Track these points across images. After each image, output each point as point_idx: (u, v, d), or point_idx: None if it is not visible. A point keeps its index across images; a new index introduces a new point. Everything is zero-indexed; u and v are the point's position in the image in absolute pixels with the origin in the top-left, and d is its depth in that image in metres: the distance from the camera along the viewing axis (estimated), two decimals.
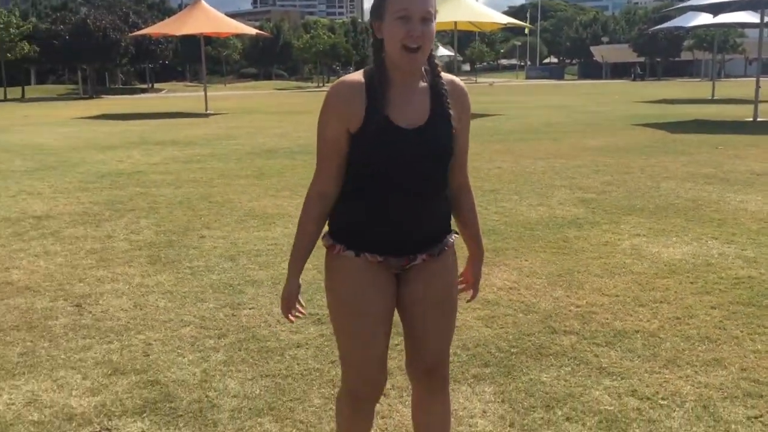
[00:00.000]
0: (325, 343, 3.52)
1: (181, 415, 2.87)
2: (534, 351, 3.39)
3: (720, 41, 53.71)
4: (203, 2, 23.76)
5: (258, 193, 7.77)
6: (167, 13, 63.14)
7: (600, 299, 4.10)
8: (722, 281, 4.38)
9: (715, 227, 5.82)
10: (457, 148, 1.95)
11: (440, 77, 1.92)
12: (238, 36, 50.80)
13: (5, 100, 36.78)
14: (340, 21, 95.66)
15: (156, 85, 55.22)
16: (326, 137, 1.87)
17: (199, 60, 45.24)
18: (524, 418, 2.77)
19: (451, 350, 3.37)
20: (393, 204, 1.88)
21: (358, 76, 1.87)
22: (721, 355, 3.29)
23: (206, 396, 3.03)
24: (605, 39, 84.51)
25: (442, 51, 66.79)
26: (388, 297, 1.98)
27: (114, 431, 2.77)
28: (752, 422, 2.69)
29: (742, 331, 3.56)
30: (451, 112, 1.91)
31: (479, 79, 73.14)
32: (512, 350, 3.40)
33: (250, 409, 2.91)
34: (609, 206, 6.73)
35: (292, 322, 2.09)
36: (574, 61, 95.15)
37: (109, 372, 3.29)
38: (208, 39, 35.73)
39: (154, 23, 41.72)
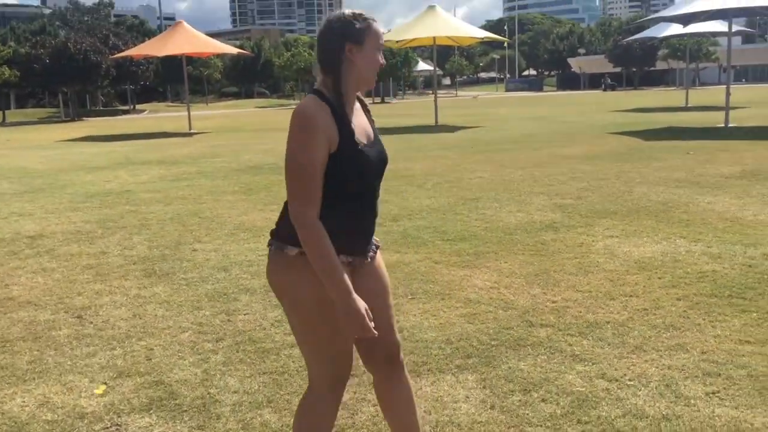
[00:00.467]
0: None
1: (186, 410, 3.09)
2: (513, 342, 3.64)
3: (693, 50, 54.84)
4: (184, 23, 24.04)
5: (246, 207, 7.99)
6: (147, 34, 63.41)
7: (574, 295, 4.37)
8: (688, 276, 4.67)
9: (683, 227, 6.12)
10: None
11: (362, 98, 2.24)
12: (220, 55, 51.05)
13: None
14: None
15: (137, 106, 55.28)
16: (315, 159, 1.96)
17: (180, 80, 45.37)
18: (503, 401, 3.01)
19: (435, 344, 3.64)
20: (362, 212, 2.15)
21: (317, 100, 2.01)
22: (684, 340, 3.57)
23: (208, 393, 3.25)
24: (582, 50, 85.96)
25: (422, 65, 67.33)
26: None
27: (124, 426, 2.98)
28: (710, 397, 2.96)
29: (704, 319, 3.84)
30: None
31: (459, 93, 73.90)
32: (492, 343, 3.65)
33: (250, 402, 3.13)
34: (584, 211, 7.03)
35: (376, 334, 2.05)
36: (552, 73, 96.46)
37: (115, 375, 3.50)
38: (190, 59, 35.92)
39: (135, 45, 41.94)
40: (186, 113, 24.51)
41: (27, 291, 5.01)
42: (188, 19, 24.69)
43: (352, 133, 2.04)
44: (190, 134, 21.76)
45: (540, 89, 77.52)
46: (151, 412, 3.09)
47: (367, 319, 2.00)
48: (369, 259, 2.24)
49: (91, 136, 22.92)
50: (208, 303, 4.57)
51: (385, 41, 19.20)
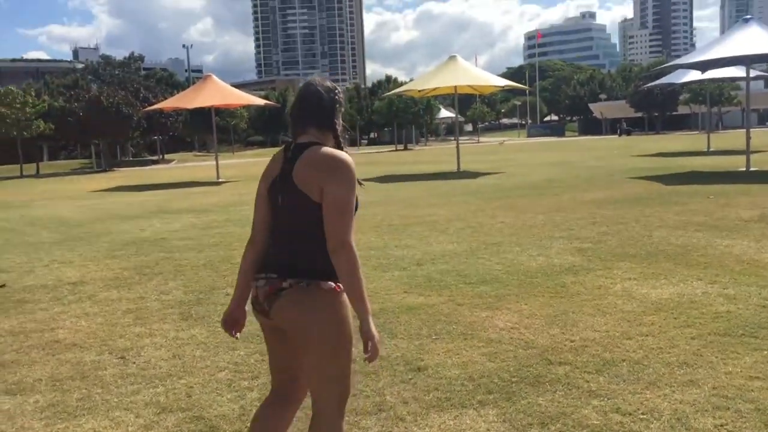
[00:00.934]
0: None
1: None
2: (532, 379, 3.84)
3: (715, 94, 54.99)
4: (213, 76, 24.89)
5: None
6: (175, 86, 65.33)
7: (592, 335, 4.56)
8: (703, 316, 4.83)
9: (701, 269, 6.29)
10: None
11: None
12: (246, 106, 52.27)
13: (21, 176, 37.88)
14: (344, 87, 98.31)
15: (166, 156, 56.59)
16: (355, 199, 2.38)
17: (207, 130, 46.41)
18: None
19: (458, 381, 3.84)
20: None
21: None
22: (696, 377, 3.74)
23: (245, 426, 3.47)
24: (603, 96, 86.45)
25: (444, 113, 68.23)
26: None
27: None
28: (719, 430, 3.13)
29: (716, 357, 4.01)
30: None
31: (482, 138, 74.53)
32: (513, 379, 3.85)
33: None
34: (604, 254, 7.22)
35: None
36: (573, 118, 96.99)
37: (158, 411, 3.75)
38: (217, 110, 36.91)
39: (164, 97, 43.27)
40: (213, 162, 25.17)
41: (72, 334, 5.31)
42: (215, 71, 25.58)
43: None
44: (218, 183, 22.34)
45: (562, 134, 77.92)
46: None
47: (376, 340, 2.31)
48: None
49: (124, 186, 23.62)
50: (242, 344, 4.82)
51: (407, 90, 19.88)
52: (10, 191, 24.49)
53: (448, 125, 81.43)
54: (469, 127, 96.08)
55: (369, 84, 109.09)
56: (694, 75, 23.95)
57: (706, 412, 3.31)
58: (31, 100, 40.36)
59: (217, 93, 23.73)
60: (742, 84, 50.59)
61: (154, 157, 55.74)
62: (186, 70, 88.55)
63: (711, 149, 27.10)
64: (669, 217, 9.56)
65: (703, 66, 18.09)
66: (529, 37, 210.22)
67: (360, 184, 2.42)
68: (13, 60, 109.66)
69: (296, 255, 2.40)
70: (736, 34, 16.50)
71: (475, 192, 14.73)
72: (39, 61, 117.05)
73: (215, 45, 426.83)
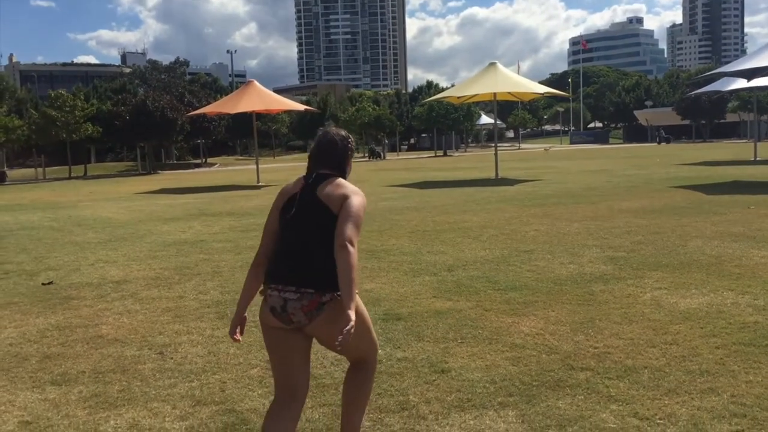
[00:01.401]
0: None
1: None
2: (553, 384, 3.93)
3: (764, 102, 53.68)
4: (255, 82, 25.36)
5: None
6: (219, 91, 66.47)
7: (616, 342, 4.62)
8: (730, 326, 4.84)
9: (733, 280, 6.26)
10: None
11: None
12: (287, 111, 52.92)
13: (70, 177, 39.09)
14: (385, 93, 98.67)
15: (208, 160, 57.67)
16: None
17: (249, 135, 47.12)
18: None
19: (481, 383, 3.95)
20: None
21: None
22: (716, 385, 3.78)
23: None
24: (649, 103, 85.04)
25: (485, 119, 68.00)
26: None
27: None
28: None
29: (739, 366, 4.04)
30: None
31: (523, 145, 74.04)
32: (534, 383, 3.94)
33: (312, 429, 3.52)
34: (636, 263, 7.22)
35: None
36: (618, 125, 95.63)
37: (194, 403, 3.95)
38: (259, 115, 37.49)
39: (208, 102, 44.13)
40: (254, 166, 25.63)
41: (114, 330, 5.56)
42: (258, 76, 26.14)
43: None
44: (258, 187, 22.73)
45: (606, 142, 76.88)
46: None
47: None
48: None
49: (167, 189, 24.21)
50: None
51: (446, 97, 20.06)
52: (58, 192, 25.32)
53: (489, 131, 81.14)
54: (510, 134, 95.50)
55: (410, 89, 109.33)
56: (742, 82, 23.52)
57: (723, 418, 3.36)
58: (80, 104, 41.67)
59: (259, 99, 24.18)
60: None
61: (197, 161, 56.86)
62: (230, 75, 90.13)
63: (758, 158, 26.53)
64: (706, 227, 9.48)
65: (748, 74, 17.79)
66: (574, 42, 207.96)
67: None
68: (64, 64, 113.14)
69: (325, 269, 2.73)
70: None
71: (511, 199, 14.74)
72: (88, 65, 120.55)
73: (259, 50, 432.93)
